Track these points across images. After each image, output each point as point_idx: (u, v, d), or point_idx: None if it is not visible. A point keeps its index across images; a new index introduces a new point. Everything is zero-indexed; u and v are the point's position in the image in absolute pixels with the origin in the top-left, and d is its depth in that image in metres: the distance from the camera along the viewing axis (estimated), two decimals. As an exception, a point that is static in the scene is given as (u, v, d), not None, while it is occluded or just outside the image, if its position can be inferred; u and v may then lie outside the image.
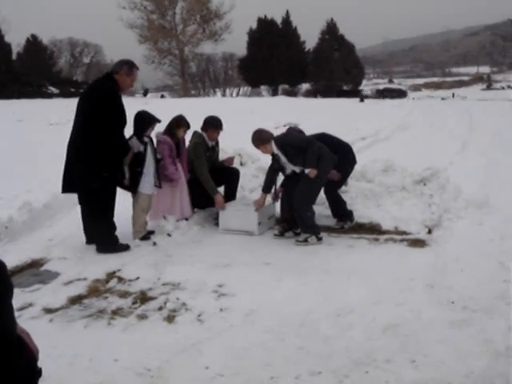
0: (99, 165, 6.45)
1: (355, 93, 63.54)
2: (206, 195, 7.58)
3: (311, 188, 6.99)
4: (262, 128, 7.40)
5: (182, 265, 6.06)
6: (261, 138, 7.14)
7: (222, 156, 8.39)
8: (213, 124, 7.81)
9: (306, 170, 6.93)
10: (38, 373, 1.41)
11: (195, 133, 7.80)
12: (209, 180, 7.53)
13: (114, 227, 6.76)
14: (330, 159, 7.06)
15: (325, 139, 7.38)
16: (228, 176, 7.97)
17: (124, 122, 6.59)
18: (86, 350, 4.17)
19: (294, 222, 7.15)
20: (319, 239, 6.91)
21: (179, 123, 7.48)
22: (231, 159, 8.29)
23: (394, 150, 12.95)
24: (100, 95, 6.56)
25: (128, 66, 6.71)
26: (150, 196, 7.10)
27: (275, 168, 7.37)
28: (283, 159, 7.13)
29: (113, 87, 6.63)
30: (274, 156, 7.25)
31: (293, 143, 7.04)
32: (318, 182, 7.00)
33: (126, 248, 6.70)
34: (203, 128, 7.82)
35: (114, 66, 6.81)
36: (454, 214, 7.45)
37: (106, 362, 3.97)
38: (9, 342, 1.26)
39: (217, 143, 8.08)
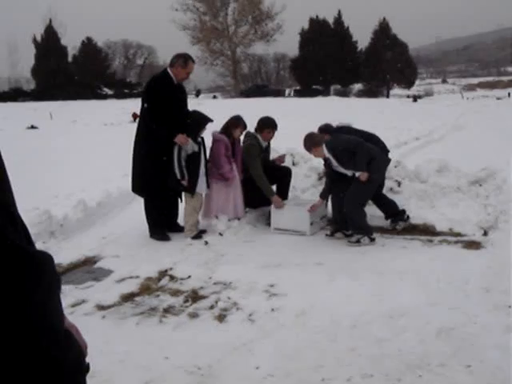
0: (148, 152, 6.93)
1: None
2: (258, 195, 7.57)
3: (362, 190, 6.90)
4: (314, 132, 7.35)
5: (233, 264, 6.05)
6: (312, 142, 7.06)
7: (272, 155, 8.36)
8: (269, 125, 7.80)
9: (357, 174, 6.86)
10: (85, 368, 1.40)
11: (249, 134, 7.80)
12: (265, 181, 7.51)
13: (160, 217, 7.15)
14: (381, 161, 6.98)
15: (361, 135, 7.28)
16: (280, 175, 7.94)
17: (170, 112, 6.82)
18: (138, 347, 4.20)
19: (344, 222, 7.08)
20: (372, 240, 6.83)
21: (237, 123, 7.50)
22: (282, 157, 8.26)
23: (449, 151, 12.73)
24: (146, 88, 7.12)
25: (183, 59, 6.99)
26: (201, 195, 7.17)
27: (329, 173, 7.32)
28: (334, 163, 7.06)
29: (162, 79, 7.00)
30: (326, 160, 7.20)
31: (343, 146, 6.94)
32: (370, 185, 6.91)
33: (163, 239, 7.05)
34: (258, 129, 7.81)
35: (171, 59, 7.10)
36: (511, 215, 7.26)
37: (157, 360, 3.99)
38: (56, 336, 1.26)
39: (269, 143, 8.05)
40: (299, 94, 63.78)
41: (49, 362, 1.23)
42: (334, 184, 7.29)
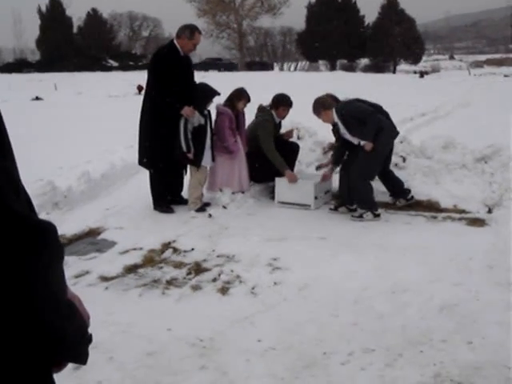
0: (154, 124, 6.91)
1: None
2: (263, 169, 7.55)
3: (369, 163, 6.83)
4: (323, 95, 7.27)
5: (236, 237, 6.06)
6: (322, 105, 6.98)
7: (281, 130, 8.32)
8: (285, 102, 7.73)
9: (362, 143, 6.78)
10: (88, 338, 1.40)
11: (264, 109, 7.73)
12: (277, 156, 7.45)
13: (164, 189, 7.18)
14: (389, 133, 6.91)
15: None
16: (288, 150, 7.89)
17: (176, 84, 6.76)
18: (140, 319, 4.22)
19: (350, 197, 7.05)
20: (376, 216, 6.80)
21: (240, 95, 7.44)
22: (291, 132, 8.19)
23: (455, 127, 12.64)
24: (153, 60, 7.12)
25: (190, 30, 6.93)
26: (206, 168, 7.16)
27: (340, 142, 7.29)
28: (342, 129, 6.96)
29: (168, 50, 6.96)
30: (334, 126, 7.14)
31: (354, 113, 6.82)
32: (377, 157, 6.84)
33: (167, 211, 7.07)
34: (273, 105, 7.73)
35: (177, 30, 7.02)
36: (516, 193, 7.24)
37: (160, 331, 4.00)
38: (58, 306, 1.25)
39: (280, 120, 8.01)
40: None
41: (51, 332, 1.23)
42: (344, 152, 7.27)
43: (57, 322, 1.24)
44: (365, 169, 6.82)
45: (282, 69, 72.10)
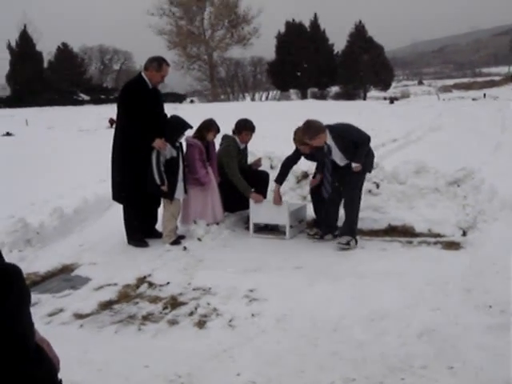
0: (125, 158, 6.87)
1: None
2: (236, 198, 7.54)
3: (358, 186, 6.92)
4: (313, 119, 7.05)
5: (212, 269, 6.01)
6: (319, 128, 6.78)
7: (250, 159, 8.32)
8: (247, 127, 7.76)
9: (353, 165, 6.76)
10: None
11: (226, 136, 7.77)
12: (240, 179, 7.48)
13: (137, 223, 7.08)
14: (372, 158, 7.04)
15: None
16: (258, 179, 7.89)
17: (146, 117, 6.74)
18: (117, 356, 4.13)
19: (329, 225, 7.06)
20: (356, 242, 6.84)
21: (210, 127, 7.43)
22: (259, 161, 8.22)
23: (426, 152, 12.80)
24: (121, 93, 7.04)
25: (157, 62, 6.94)
26: (179, 201, 7.12)
27: (294, 159, 7.42)
28: (335, 150, 6.84)
29: (136, 83, 6.96)
30: (321, 148, 6.96)
31: (351, 137, 6.80)
32: (363, 180, 6.97)
33: (141, 245, 6.99)
34: (236, 131, 7.76)
35: (145, 63, 7.04)
36: (489, 215, 7.30)
37: (137, 369, 3.93)
38: (26, 352, 1.21)
39: (246, 146, 8.02)
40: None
41: (18, 378, 1.18)
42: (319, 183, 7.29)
43: (24, 367, 1.20)
44: (357, 193, 6.89)
45: (253, 99, 72.56)
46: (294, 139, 7.40)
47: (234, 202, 7.66)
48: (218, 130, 7.50)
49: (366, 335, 4.31)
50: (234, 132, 7.77)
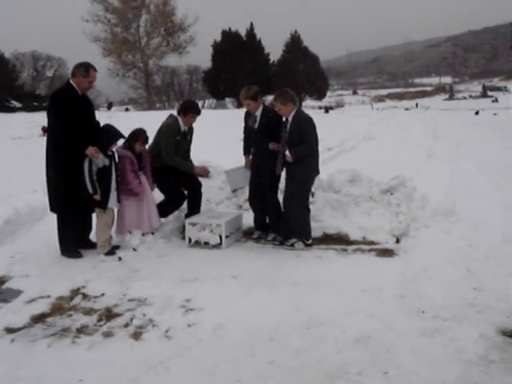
0: (58, 167, 6.75)
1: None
2: (170, 182, 7.61)
3: (303, 190, 7.03)
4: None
5: (148, 280, 5.94)
6: (292, 98, 7.06)
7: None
8: (193, 109, 7.68)
9: (287, 152, 6.88)
10: None
11: (170, 115, 7.69)
12: (177, 159, 7.50)
13: (70, 233, 6.95)
14: (316, 163, 7.12)
15: None
16: (192, 187, 7.81)
17: (77, 124, 6.65)
18: (50, 371, 4.03)
19: (272, 224, 7.30)
20: (307, 245, 6.97)
21: (136, 136, 7.33)
22: (204, 171, 7.88)
23: (360, 160, 13.01)
24: (51, 101, 6.87)
25: (84, 68, 6.85)
26: (113, 211, 7.02)
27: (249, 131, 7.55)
28: (285, 132, 7.00)
29: (65, 91, 6.85)
30: (278, 119, 7.20)
31: (307, 130, 6.92)
32: (308, 184, 7.12)
33: (75, 256, 6.87)
34: (181, 111, 7.63)
35: (72, 69, 6.94)
36: (422, 222, 7.49)
37: (71, 383, 3.84)
38: None
39: (191, 132, 7.92)
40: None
41: None
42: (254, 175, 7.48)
43: None
44: (302, 198, 7.03)
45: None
46: (242, 96, 7.38)
47: (169, 187, 7.67)
48: (145, 140, 7.39)
49: (303, 343, 4.34)
50: (178, 112, 7.68)
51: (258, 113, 7.32)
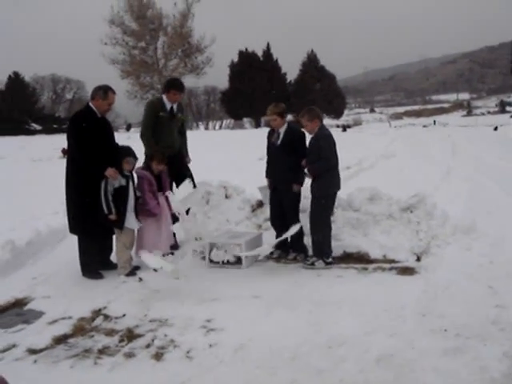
0: (78, 188, 6.80)
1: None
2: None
3: (323, 207, 7.08)
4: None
5: (168, 300, 5.94)
6: (318, 115, 7.19)
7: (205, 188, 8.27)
8: (174, 85, 7.95)
9: (305, 165, 7.07)
10: None
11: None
12: (148, 138, 7.75)
13: (91, 254, 6.97)
14: (337, 179, 7.24)
15: None
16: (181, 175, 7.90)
17: (96, 146, 6.71)
18: (72, 392, 4.04)
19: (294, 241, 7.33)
20: (327, 264, 7.00)
21: (152, 156, 7.42)
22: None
23: (379, 178, 12.95)
24: (70, 124, 6.98)
25: (103, 91, 6.96)
26: (132, 231, 7.04)
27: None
28: (308, 149, 7.17)
29: (84, 113, 6.95)
30: (300, 138, 7.35)
31: (325, 145, 7.04)
32: (329, 200, 7.18)
33: (96, 277, 6.88)
34: (165, 89, 7.96)
35: (91, 92, 7.07)
36: (442, 240, 7.43)
37: (93, 404, 3.85)
38: None
39: (181, 109, 8.13)
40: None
41: None
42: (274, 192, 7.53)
43: None
44: (323, 215, 7.10)
45: (207, 128, 72.61)
46: (269, 111, 7.51)
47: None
48: (161, 159, 7.45)
49: (325, 362, 4.31)
50: (163, 91, 7.97)
51: (282, 130, 7.39)
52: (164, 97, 7.88)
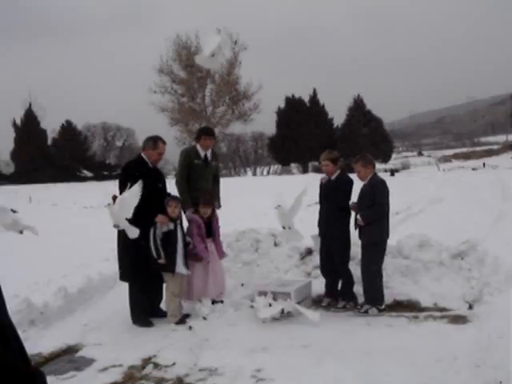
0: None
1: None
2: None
3: (375, 254, 7.09)
4: None
5: (218, 349, 5.93)
6: (370, 160, 7.26)
7: (253, 236, 8.29)
8: (205, 132, 8.17)
9: (358, 216, 7.04)
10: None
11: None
12: (182, 185, 7.85)
13: (141, 302, 7.03)
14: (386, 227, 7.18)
15: None
16: None
17: (148, 195, 6.72)
18: None
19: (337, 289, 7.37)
20: (380, 311, 6.96)
21: (198, 200, 7.54)
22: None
23: (429, 224, 12.82)
24: (122, 173, 7.18)
25: (153, 141, 7.18)
26: (181, 279, 7.09)
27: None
28: (359, 194, 7.20)
29: (136, 163, 7.19)
30: (348, 182, 7.39)
31: (380, 191, 7.09)
32: (380, 247, 7.14)
33: (146, 325, 6.92)
34: (196, 138, 8.19)
35: (142, 143, 7.33)
36: (495, 287, 7.28)
37: None
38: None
39: (215, 157, 8.28)
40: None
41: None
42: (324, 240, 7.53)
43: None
44: (374, 262, 7.08)
45: (254, 174, 72.97)
46: (322, 157, 7.54)
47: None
48: (205, 203, 7.55)
49: (376, 415, 4.24)
50: (195, 140, 8.19)
51: (334, 177, 7.44)
52: (197, 145, 8.06)
